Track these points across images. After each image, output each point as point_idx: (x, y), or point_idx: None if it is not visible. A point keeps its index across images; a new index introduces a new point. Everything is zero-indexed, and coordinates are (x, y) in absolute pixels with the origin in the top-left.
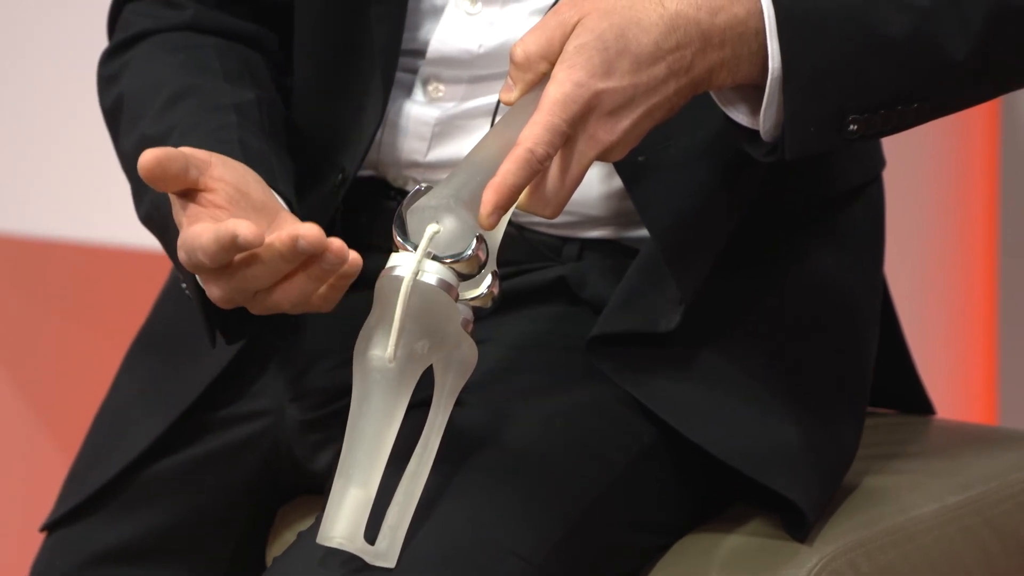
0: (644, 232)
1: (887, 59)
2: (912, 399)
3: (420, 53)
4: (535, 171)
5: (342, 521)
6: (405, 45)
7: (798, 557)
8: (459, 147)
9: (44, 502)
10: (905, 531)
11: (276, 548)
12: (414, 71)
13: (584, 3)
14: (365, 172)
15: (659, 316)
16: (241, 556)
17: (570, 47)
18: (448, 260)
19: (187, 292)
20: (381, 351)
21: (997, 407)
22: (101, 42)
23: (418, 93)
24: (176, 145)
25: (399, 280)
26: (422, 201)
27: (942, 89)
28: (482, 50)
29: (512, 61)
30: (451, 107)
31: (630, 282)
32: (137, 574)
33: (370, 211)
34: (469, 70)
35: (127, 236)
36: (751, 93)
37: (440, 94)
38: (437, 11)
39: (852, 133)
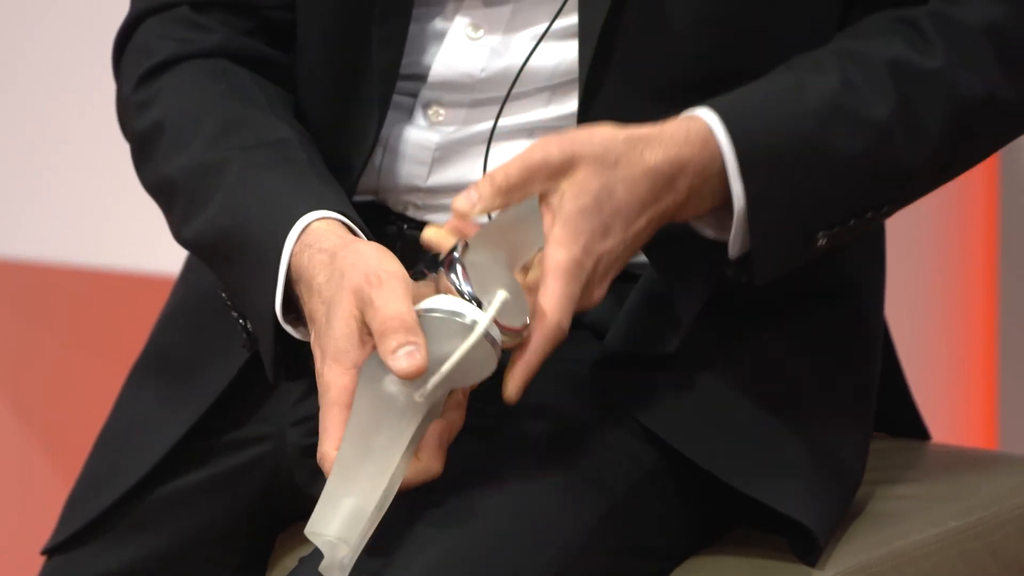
0: (643, 257)
1: (851, 179)
2: (907, 424)
3: (421, 77)
4: (561, 341)
5: (337, 521)
6: (407, 69)
7: None
8: (459, 172)
9: (43, 527)
10: (906, 555)
11: (276, 574)
12: (415, 95)
13: (572, 144)
14: (365, 197)
15: (659, 339)
16: None
17: (571, 207)
18: (506, 328)
19: (246, 326)
20: (415, 387)
21: (997, 432)
22: (104, 67)
23: (419, 117)
24: (242, 174)
25: (462, 328)
26: (483, 259)
27: (909, 191)
28: (484, 74)
29: (492, 182)
30: (451, 131)
31: (631, 306)
32: None
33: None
34: (471, 94)
35: (126, 261)
36: (717, 212)
37: (440, 118)
38: (439, 35)
39: (822, 247)
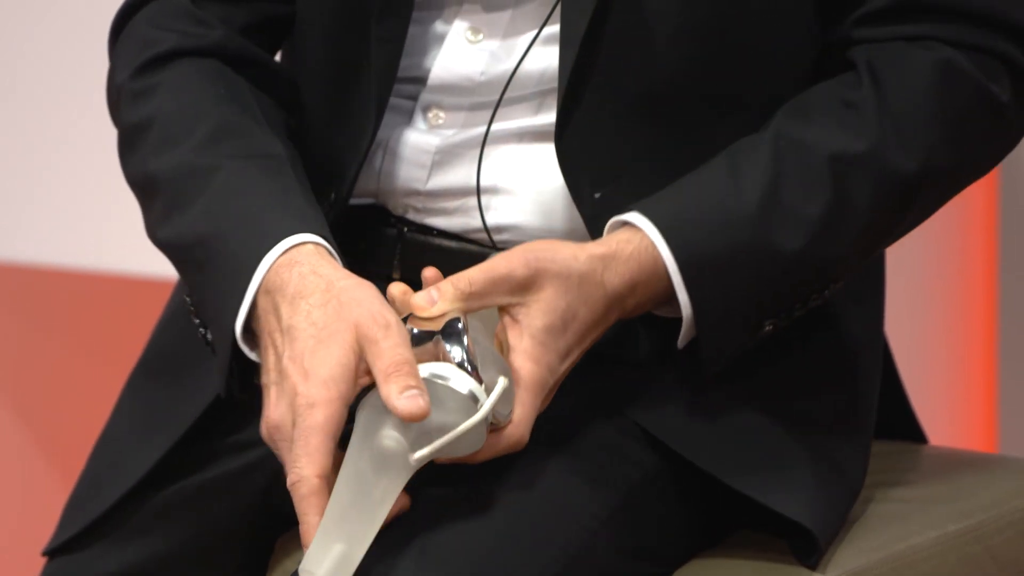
0: None
1: (792, 275)
2: (905, 428)
3: (421, 80)
4: (517, 451)
5: (327, 565)
6: (407, 72)
7: None
8: (458, 175)
9: (43, 528)
10: (905, 559)
11: None
12: (414, 98)
13: (537, 261)
14: (366, 200)
15: (630, 341)
16: None
17: (540, 324)
18: (497, 414)
19: (205, 336)
20: (411, 450)
21: (997, 434)
22: (104, 69)
23: (418, 121)
24: (229, 183)
25: (466, 405)
26: (480, 338)
27: (853, 270)
28: (483, 78)
29: (456, 286)
30: (451, 135)
31: None
32: None
33: (370, 238)
34: (470, 97)
35: (126, 263)
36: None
37: (440, 121)
38: (439, 38)
39: (769, 332)
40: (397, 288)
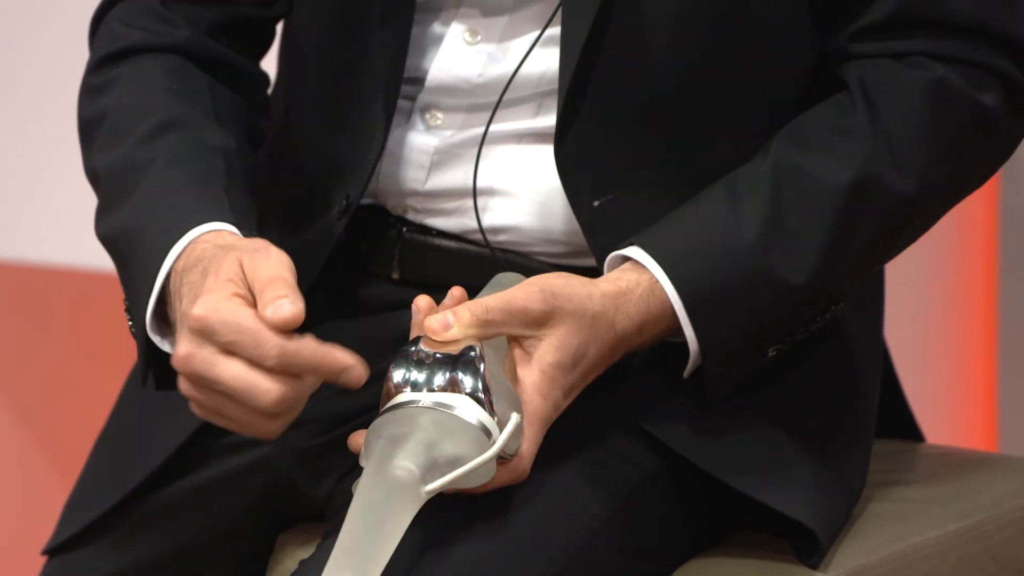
0: None
1: (796, 302)
2: (902, 427)
3: (419, 81)
4: (517, 483)
5: None
6: (406, 73)
7: None
8: (456, 176)
9: (43, 527)
10: (905, 558)
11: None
12: (413, 99)
13: (554, 298)
14: (365, 200)
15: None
16: None
17: (552, 359)
18: (508, 449)
19: (132, 330)
20: (422, 481)
21: (997, 434)
22: None
23: (417, 121)
24: (158, 176)
25: (480, 439)
26: (494, 370)
27: (855, 287)
28: (481, 79)
29: (472, 312)
30: (449, 135)
31: None
32: None
33: (369, 238)
34: (468, 99)
35: None
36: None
37: (439, 122)
38: (437, 40)
39: (773, 357)
40: (424, 300)
